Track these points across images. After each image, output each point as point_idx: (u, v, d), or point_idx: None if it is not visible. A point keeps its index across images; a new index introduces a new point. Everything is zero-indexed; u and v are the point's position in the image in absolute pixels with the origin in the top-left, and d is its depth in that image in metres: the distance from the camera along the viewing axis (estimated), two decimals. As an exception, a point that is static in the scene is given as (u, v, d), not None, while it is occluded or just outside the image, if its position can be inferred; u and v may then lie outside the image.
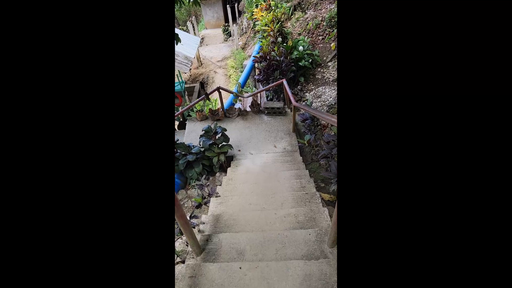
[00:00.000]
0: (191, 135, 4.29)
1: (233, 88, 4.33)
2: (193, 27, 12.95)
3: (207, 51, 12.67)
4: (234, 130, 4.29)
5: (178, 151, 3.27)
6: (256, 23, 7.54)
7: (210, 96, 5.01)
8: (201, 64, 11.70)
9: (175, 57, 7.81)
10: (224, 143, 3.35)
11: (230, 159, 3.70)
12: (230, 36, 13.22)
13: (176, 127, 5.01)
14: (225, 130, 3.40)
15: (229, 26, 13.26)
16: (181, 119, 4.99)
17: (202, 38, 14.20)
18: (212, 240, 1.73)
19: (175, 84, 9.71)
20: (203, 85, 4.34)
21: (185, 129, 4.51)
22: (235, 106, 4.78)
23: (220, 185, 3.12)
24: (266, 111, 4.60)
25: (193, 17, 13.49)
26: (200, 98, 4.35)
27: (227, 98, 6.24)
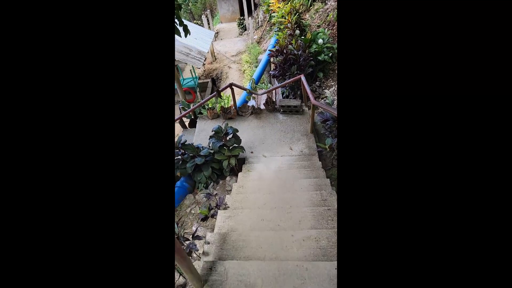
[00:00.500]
0: (201, 134, 4.04)
1: (247, 85, 4.02)
2: (208, 21, 12.70)
3: (221, 46, 12.40)
4: (247, 130, 3.99)
5: (186, 153, 3.02)
6: (272, 15, 7.14)
7: (222, 93, 4.74)
8: (215, 59, 11.45)
9: (189, 52, 7.60)
10: (235, 145, 3.06)
11: (241, 162, 3.41)
12: (245, 30, 12.85)
13: (187, 124, 4.78)
14: (237, 131, 3.10)
15: (244, 19, 12.88)
16: (192, 117, 4.76)
17: (217, 32, 13.93)
18: (216, 269, 1.45)
19: (189, 80, 9.55)
20: (214, 81, 4.06)
21: (195, 127, 4.27)
22: (248, 104, 4.47)
23: (230, 192, 2.85)
24: (281, 110, 4.25)
25: (208, 10, 13.23)
26: (211, 95, 4.08)
27: (240, 95, 5.96)
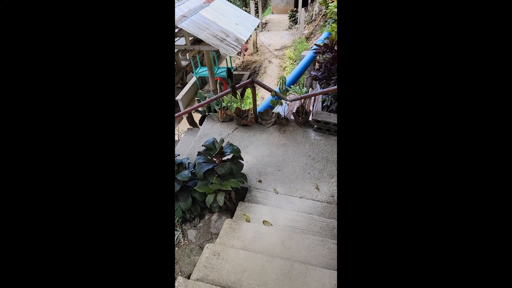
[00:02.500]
0: (202, 141, 3.08)
1: (276, 86, 2.93)
2: (257, 9, 11.72)
3: (266, 38, 11.36)
4: (262, 146, 2.91)
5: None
6: (329, 4, 5.86)
7: (245, 91, 3.71)
8: (257, 50, 10.47)
9: (225, 37, 6.72)
10: (233, 171, 2.02)
11: (242, 193, 2.37)
12: (296, 23, 11.60)
13: (197, 121, 3.87)
14: (238, 152, 2.05)
15: (297, 11, 11.62)
16: (206, 113, 3.83)
17: (265, 23, 12.91)
18: None
19: (223, 69, 8.76)
20: (231, 72, 3.06)
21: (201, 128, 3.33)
22: (273, 110, 3.38)
23: (211, 241, 1.83)
24: (316, 125, 3.08)
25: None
26: (225, 91, 3.08)
27: (265, 98, 4.88)
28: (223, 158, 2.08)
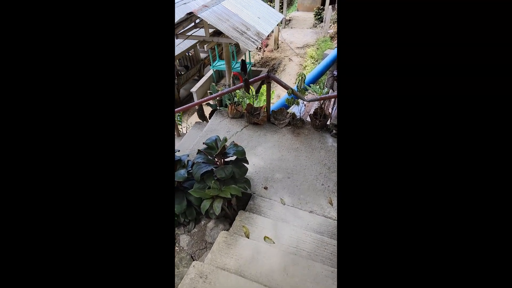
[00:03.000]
0: (209, 136, 2.85)
1: (293, 85, 2.63)
2: (281, 5, 11.34)
3: (288, 35, 10.99)
4: (273, 149, 2.63)
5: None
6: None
7: (258, 88, 3.43)
8: (278, 47, 10.13)
9: (245, 30, 6.46)
10: (236, 177, 1.76)
11: (244, 199, 2.11)
12: (322, 21, 11.12)
13: (207, 115, 3.65)
14: (243, 154, 1.78)
15: (323, 9, 11.13)
16: (217, 107, 3.60)
17: (289, 20, 12.52)
18: None
19: (239, 64, 8.51)
20: (244, 63, 2.79)
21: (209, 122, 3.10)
22: (288, 110, 3.09)
23: (205, 250, 1.59)
24: (334, 130, 2.76)
25: (286, -6, 11.83)
26: (238, 85, 2.83)
27: (281, 96, 4.57)
28: (226, 159, 1.82)
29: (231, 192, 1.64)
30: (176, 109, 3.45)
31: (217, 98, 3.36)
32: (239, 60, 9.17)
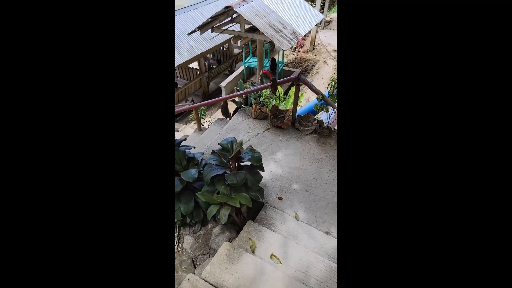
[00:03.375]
0: (228, 135, 2.74)
1: (325, 89, 2.41)
2: (323, 5, 10.91)
3: (326, 36, 10.55)
4: (293, 156, 2.45)
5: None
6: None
7: (286, 89, 3.23)
8: (313, 48, 9.77)
9: (282, 28, 6.27)
10: (248, 185, 1.62)
11: (256, 206, 1.97)
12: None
13: (231, 112, 3.56)
14: (259, 161, 1.63)
15: (367, 12, 10.48)
16: (242, 105, 3.49)
17: (329, 21, 12.03)
18: None
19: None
20: (275, 62, 2.59)
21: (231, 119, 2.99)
22: (315, 116, 2.87)
23: (208, 255, 1.48)
24: (365, 145, 2.49)
25: (328, -7, 11.35)
26: (265, 84, 2.67)
27: (311, 100, 4.31)
28: (241, 164, 1.69)
29: (240, 201, 1.51)
30: (200, 103, 3.40)
31: (243, 95, 3.25)
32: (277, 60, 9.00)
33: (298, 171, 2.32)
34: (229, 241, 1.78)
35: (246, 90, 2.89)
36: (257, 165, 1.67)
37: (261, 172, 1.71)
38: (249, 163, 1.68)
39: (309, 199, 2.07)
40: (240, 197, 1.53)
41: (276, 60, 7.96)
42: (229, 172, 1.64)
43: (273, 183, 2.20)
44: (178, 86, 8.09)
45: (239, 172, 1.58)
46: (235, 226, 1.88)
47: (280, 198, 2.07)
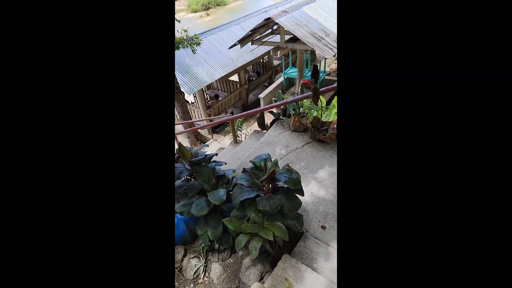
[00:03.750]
0: (263, 149, 2.51)
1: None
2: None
3: (373, 43, 9.81)
4: (336, 175, 2.09)
5: (196, 179, 1.61)
6: None
7: (325, 99, 2.89)
8: (358, 56, 9.14)
9: (324, 36, 5.96)
10: (284, 212, 1.35)
11: (294, 234, 1.66)
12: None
13: (268, 124, 3.35)
14: (297, 184, 1.34)
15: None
16: (280, 116, 3.27)
17: (375, 27, 11.23)
18: None
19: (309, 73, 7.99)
20: (317, 70, 2.31)
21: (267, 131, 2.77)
22: (365, 129, 2.47)
23: (241, 284, 1.24)
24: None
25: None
26: (305, 94, 2.40)
27: None
28: (276, 185, 1.43)
29: (274, 233, 1.24)
30: (236, 115, 3.28)
31: (282, 106, 3.02)
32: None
33: (345, 194, 1.95)
34: (261, 276, 1.51)
35: (284, 100, 2.66)
36: (296, 188, 1.39)
37: (300, 197, 1.42)
38: (282, 184, 1.41)
39: (360, 231, 1.69)
40: (274, 227, 1.26)
41: (320, 68, 7.60)
42: (262, 195, 1.39)
43: (314, 207, 1.88)
44: (219, 98, 8.29)
45: (273, 196, 1.32)
46: (268, 257, 1.61)
47: (324, 227, 1.73)
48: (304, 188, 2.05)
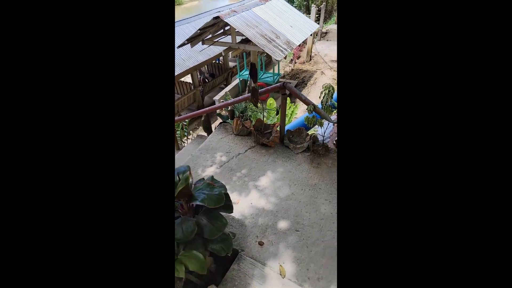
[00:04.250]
0: (203, 156, 2.26)
1: (319, 100, 1.94)
2: (318, 16, 10.73)
3: (323, 47, 10.29)
4: (282, 181, 1.95)
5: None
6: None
7: (275, 101, 2.77)
8: (310, 59, 9.47)
9: (274, 38, 5.95)
10: (205, 237, 1.11)
11: (222, 261, 1.44)
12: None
13: (214, 127, 3.09)
14: (218, 202, 1.12)
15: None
16: (228, 119, 3.03)
17: (326, 33, 11.85)
18: None
19: (269, 75, 8.01)
20: (254, 69, 2.19)
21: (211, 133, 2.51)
22: (308, 131, 2.39)
23: None
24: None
25: (324, 3, 11.20)
26: (244, 95, 2.22)
27: (303, 112, 3.83)
28: (196, 203, 1.19)
29: (188, 266, 1.00)
30: (179, 118, 2.96)
31: (229, 108, 2.81)
32: (268, 71, 8.67)
33: (287, 201, 1.81)
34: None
35: (225, 102, 2.45)
36: (221, 205, 1.17)
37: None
38: (199, 203, 1.18)
39: (300, 243, 1.55)
40: (188, 258, 1.02)
41: (272, 72, 7.61)
42: (180, 217, 1.14)
43: (253, 220, 1.69)
44: (170, 101, 7.75)
45: (187, 219, 1.08)
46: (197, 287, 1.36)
47: (261, 243, 1.55)
48: (243, 199, 1.86)
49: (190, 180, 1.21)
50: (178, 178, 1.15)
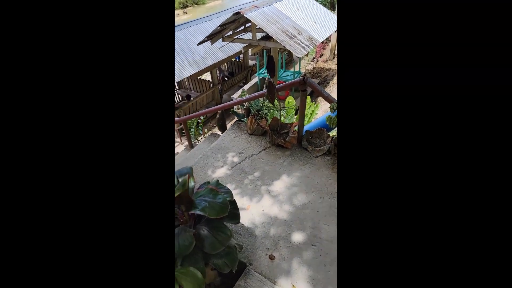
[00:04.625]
0: (214, 156, 2.13)
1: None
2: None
3: (348, 45, 9.80)
4: (297, 187, 1.76)
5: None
6: None
7: (291, 99, 2.56)
8: (334, 57, 9.07)
9: (296, 34, 5.71)
10: (206, 252, 0.96)
11: (228, 275, 1.28)
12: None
13: (226, 127, 2.96)
14: (222, 212, 0.97)
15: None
16: (244, 116, 2.88)
17: (351, 30, 11.31)
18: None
19: (289, 73, 7.76)
20: (272, 61, 2.01)
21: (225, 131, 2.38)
22: (329, 133, 2.17)
23: None
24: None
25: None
26: (260, 92, 2.05)
27: (322, 112, 3.54)
28: (197, 212, 1.04)
29: (183, 285, 0.85)
30: (189, 115, 2.87)
31: (245, 106, 2.66)
32: (289, 70, 8.42)
33: (303, 211, 1.62)
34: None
35: (240, 99, 2.30)
36: (225, 215, 1.01)
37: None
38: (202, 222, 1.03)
39: (316, 260, 1.35)
40: (184, 276, 0.88)
41: (293, 70, 7.36)
42: (178, 227, 1.00)
43: (264, 230, 1.52)
44: (191, 98, 7.80)
45: (185, 230, 0.94)
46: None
47: (272, 257, 1.38)
48: (254, 205, 1.69)
49: (192, 183, 1.07)
50: (178, 182, 1.01)
